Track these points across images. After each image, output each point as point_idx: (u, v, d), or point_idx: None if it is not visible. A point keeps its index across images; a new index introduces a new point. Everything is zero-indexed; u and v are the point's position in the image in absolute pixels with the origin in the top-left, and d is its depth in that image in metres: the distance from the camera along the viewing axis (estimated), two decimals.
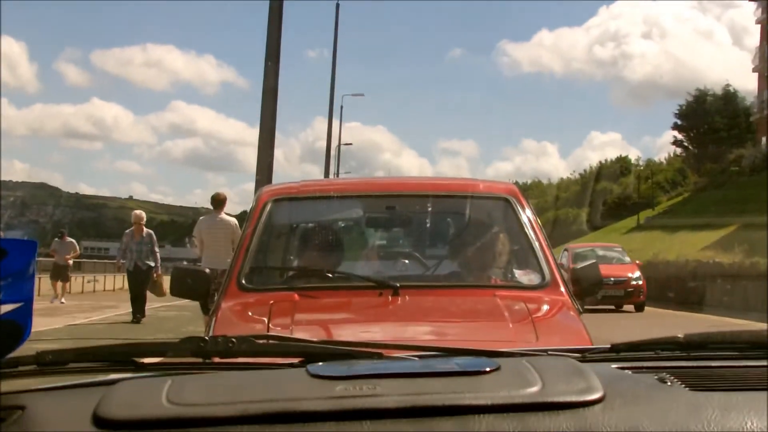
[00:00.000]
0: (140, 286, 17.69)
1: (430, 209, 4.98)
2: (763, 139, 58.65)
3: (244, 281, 4.29)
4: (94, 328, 16.56)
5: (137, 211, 18.52)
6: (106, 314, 20.59)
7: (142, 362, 1.84)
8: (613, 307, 25.80)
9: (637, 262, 28.82)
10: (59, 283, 26.10)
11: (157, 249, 18.02)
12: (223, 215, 13.54)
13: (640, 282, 26.94)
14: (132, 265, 17.68)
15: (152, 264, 17.67)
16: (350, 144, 65.66)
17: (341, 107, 51.31)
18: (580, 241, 58.45)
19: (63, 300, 25.56)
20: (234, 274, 4.32)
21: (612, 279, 24.56)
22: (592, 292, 4.67)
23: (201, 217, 14.18)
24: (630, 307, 26.44)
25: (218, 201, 13.63)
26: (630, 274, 26.70)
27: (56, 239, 25.97)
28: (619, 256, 29.08)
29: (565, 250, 29.17)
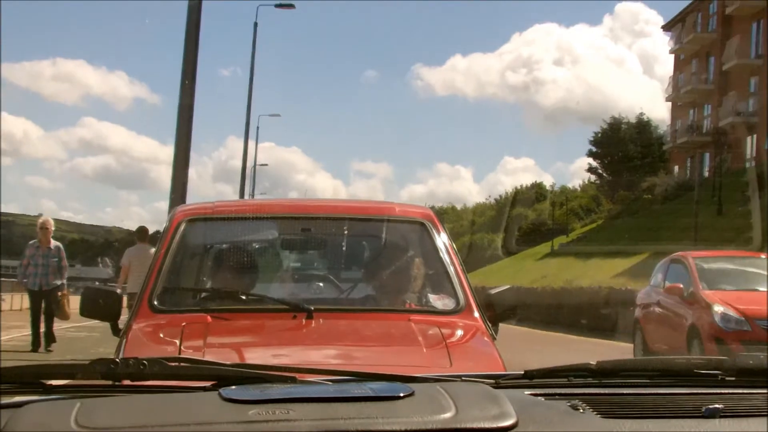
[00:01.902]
0: (47, 308, 15.09)
1: (345, 232, 4.98)
2: (676, 167, 59.81)
3: (156, 302, 4.24)
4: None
5: (44, 218, 15.89)
6: (12, 334, 20.17)
7: (51, 384, 1.81)
8: None
9: None
10: None
11: (65, 264, 15.48)
12: (147, 245, 14.68)
13: None
14: (36, 284, 14.99)
15: (59, 282, 15.13)
16: (266, 165, 64.90)
17: (257, 127, 50.77)
18: (496, 265, 58.96)
19: None
20: (146, 294, 4.27)
21: None
22: (507, 317, 4.70)
23: (128, 249, 15.52)
24: (544, 331, 26.36)
25: (143, 233, 15.51)
26: None
27: None
28: None
29: (677, 261, 15.94)
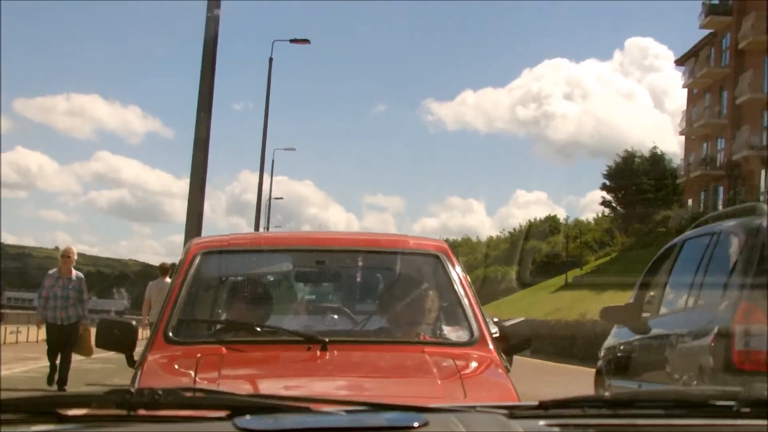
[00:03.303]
0: (64, 344, 13.90)
1: (360, 264, 4.99)
2: (689, 201, 59.68)
3: (171, 333, 4.24)
4: (16, 379, 16.20)
5: (67, 246, 14.58)
6: (29, 366, 20.18)
7: (66, 414, 1.81)
8: None
9: None
10: None
11: (87, 296, 14.30)
12: (168, 280, 15.08)
13: None
14: (56, 317, 13.79)
15: (80, 315, 13.97)
16: (281, 198, 64.90)
17: (272, 161, 50.72)
18: (510, 297, 58.85)
19: None
20: (161, 326, 4.28)
21: None
22: (521, 349, 4.69)
23: (150, 282, 16.47)
24: (558, 363, 26.21)
25: (164, 269, 16.39)
26: None
27: None
28: None
29: None
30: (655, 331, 7.71)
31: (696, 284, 7.20)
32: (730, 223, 7.18)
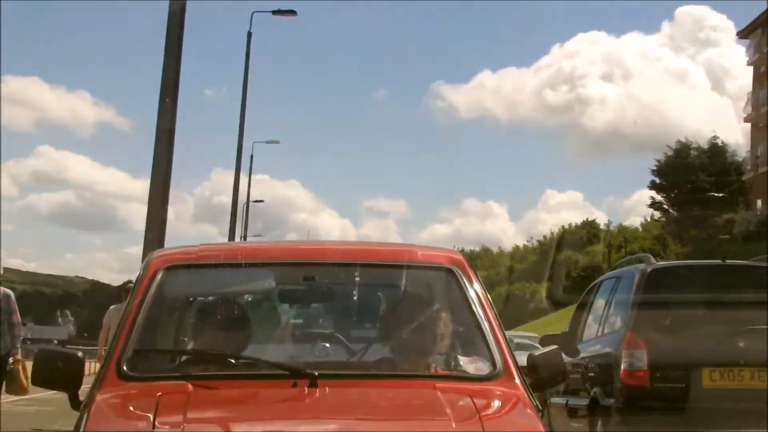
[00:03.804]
0: None
1: (357, 281, 4.98)
2: (758, 201, 59.60)
3: (125, 367, 4.23)
4: None
5: None
6: None
7: None
8: None
9: None
10: None
11: (18, 320, 12.95)
12: None
13: None
14: None
15: (8, 346, 12.64)
16: (261, 201, 64.61)
17: (251, 156, 50.20)
18: (540, 320, 58.81)
19: None
20: (113, 358, 4.26)
21: None
22: (554, 383, 4.68)
23: (112, 306, 15.79)
24: None
25: (128, 291, 15.27)
26: None
27: None
28: None
29: None
30: (580, 355, 11.05)
31: (604, 316, 10.87)
32: (627, 268, 11.16)
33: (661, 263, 11.08)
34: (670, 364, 9.52)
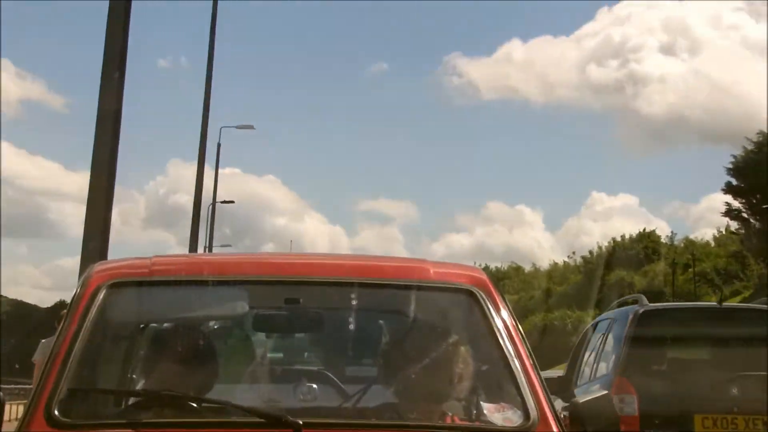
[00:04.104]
0: None
1: (353, 305, 4.94)
2: None
3: (56, 411, 4.18)
4: None
5: None
6: None
7: None
8: None
9: None
10: None
11: None
12: None
13: None
14: None
15: None
16: (231, 202, 64.39)
17: (218, 145, 49.78)
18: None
19: None
20: (42, 399, 4.22)
21: None
22: None
23: (43, 340, 15.49)
24: None
25: (62, 317, 16.28)
26: None
27: None
28: None
29: None
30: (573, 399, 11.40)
31: (597, 360, 12.49)
32: (619, 309, 12.95)
33: (653, 305, 12.85)
34: (661, 410, 10.88)
